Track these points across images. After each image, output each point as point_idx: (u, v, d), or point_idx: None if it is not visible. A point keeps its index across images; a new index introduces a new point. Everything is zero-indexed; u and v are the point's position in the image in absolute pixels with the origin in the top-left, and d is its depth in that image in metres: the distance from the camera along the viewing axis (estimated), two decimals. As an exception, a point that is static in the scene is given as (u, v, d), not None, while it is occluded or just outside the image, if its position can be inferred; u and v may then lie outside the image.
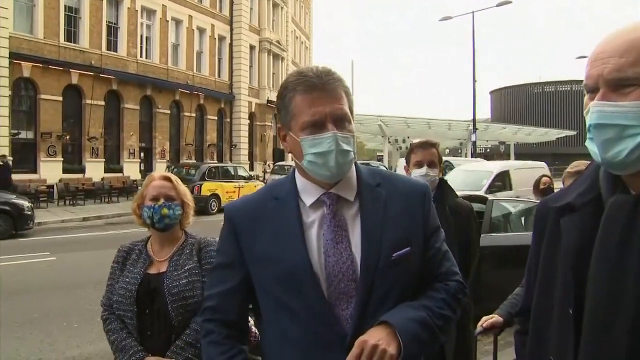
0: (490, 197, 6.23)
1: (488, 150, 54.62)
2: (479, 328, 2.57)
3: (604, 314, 1.00)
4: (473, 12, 26.57)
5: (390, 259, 1.34)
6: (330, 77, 1.36)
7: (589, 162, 2.44)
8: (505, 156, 51.07)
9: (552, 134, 53.62)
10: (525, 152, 55.47)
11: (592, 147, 1.04)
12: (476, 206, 6.41)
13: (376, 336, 1.24)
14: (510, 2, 25.58)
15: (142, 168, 25.90)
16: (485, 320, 2.57)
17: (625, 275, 0.98)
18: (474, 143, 29.40)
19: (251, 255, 1.43)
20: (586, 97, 1.07)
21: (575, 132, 54.88)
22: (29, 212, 13.23)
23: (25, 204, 13.37)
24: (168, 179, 2.40)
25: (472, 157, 31.34)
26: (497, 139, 48.48)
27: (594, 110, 1.02)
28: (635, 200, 1.01)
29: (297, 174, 1.47)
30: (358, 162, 1.51)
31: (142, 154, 26.64)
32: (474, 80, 27.30)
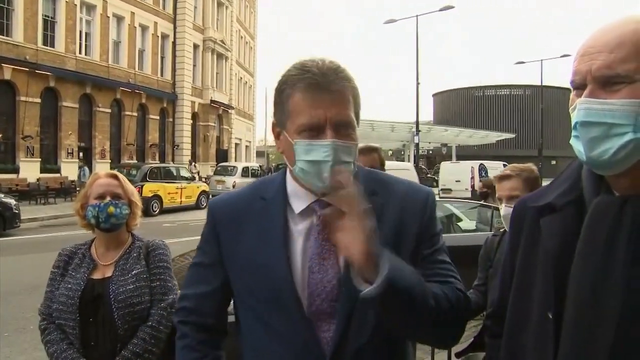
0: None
1: (430, 152, 56.04)
2: None
3: (587, 319, 0.96)
4: (417, 15, 27.10)
5: None
6: (337, 76, 1.19)
7: (521, 165, 2.52)
8: (447, 158, 52.56)
9: (492, 136, 55.42)
10: (466, 154, 57.27)
11: (577, 145, 1.00)
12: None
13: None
14: (453, 7, 26.30)
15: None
16: None
17: (611, 279, 0.95)
18: (417, 145, 30.02)
19: (231, 259, 1.33)
20: (572, 94, 1.02)
21: (514, 135, 56.84)
22: (17, 211, 13.48)
23: (13, 202, 13.63)
24: (115, 176, 2.28)
25: (414, 159, 32.05)
26: (439, 141, 49.75)
27: (581, 107, 0.97)
28: (621, 201, 0.98)
29: (288, 175, 1.33)
30: None
31: (81, 154, 25.66)
32: (417, 83, 27.89)
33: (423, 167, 43.14)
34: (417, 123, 29.09)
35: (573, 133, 1.00)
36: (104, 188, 2.22)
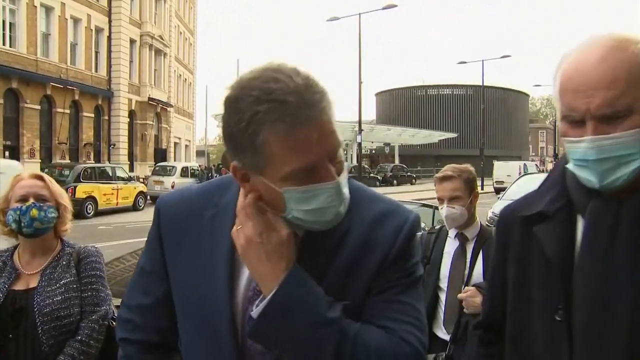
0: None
1: (373, 151, 56.85)
2: None
3: (598, 322, 1.00)
4: (359, 14, 27.33)
5: None
6: (317, 95, 0.93)
7: (459, 165, 2.62)
8: (390, 157, 53.47)
9: (435, 136, 56.88)
10: (409, 154, 58.46)
11: (584, 174, 1.04)
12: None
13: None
14: (396, 5, 26.66)
15: (7, 168, 23.57)
16: None
17: (616, 282, 0.99)
18: (360, 144, 30.34)
19: (171, 270, 1.17)
20: (565, 126, 1.05)
21: (456, 135, 58.38)
22: None
23: None
24: (40, 177, 2.10)
25: (357, 158, 32.45)
26: (382, 141, 50.58)
27: (591, 145, 1.01)
28: (617, 203, 1.02)
29: None
30: None
31: (7, 153, 24.22)
32: (360, 82, 28.19)
33: (366, 166, 43.64)
34: (360, 122, 29.39)
35: (577, 163, 1.04)
36: (26, 190, 2.03)
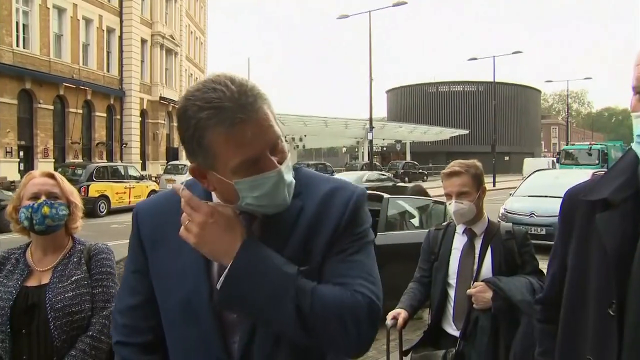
0: (385, 195, 6.30)
1: (385, 148, 56.66)
2: (390, 321, 2.61)
3: None
4: (370, 11, 27.25)
5: None
6: (251, 97, 1.05)
7: (466, 161, 2.62)
8: (401, 155, 53.26)
9: (446, 133, 56.51)
10: (420, 151, 58.16)
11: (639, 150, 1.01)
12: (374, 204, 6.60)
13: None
14: (406, 2, 26.46)
15: (22, 168, 23.78)
16: (395, 316, 2.63)
17: None
18: (371, 142, 30.30)
19: (152, 266, 1.27)
20: (634, 98, 1.02)
21: (467, 131, 58.01)
22: None
23: None
24: (51, 175, 2.13)
25: (368, 155, 32.41)
26: (393, 138, 50.37)
27: None
28: None
29: None
30: None
31: (21, 153, 24.49)
32: (370, 79, 28.10)
33: (377, 163, 43.47)
34: (371, 119, 29.34)
35: (637, 140, 1.01)
36: (38, 187, 2.06)
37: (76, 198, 2.16)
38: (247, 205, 1.12)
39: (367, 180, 23.06)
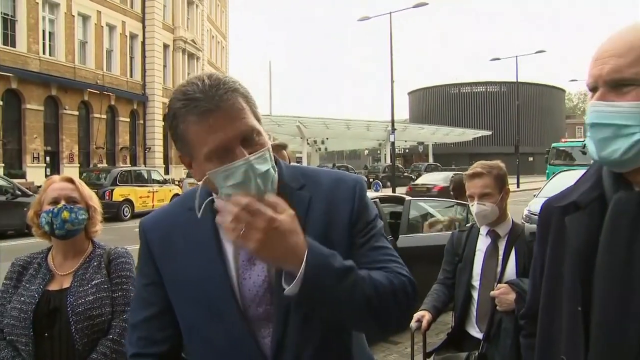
0: (407, 197, 6.26)
1: (407, 150, 56.38)
2: (414, 324, 2.59)
3: (615, 314, 1.01)
4: (390, 12, 27.10)
5: None
6: (222, 90, 1.12)
7: (489, 162, 2.59)
8: (424, 156, 52.93)
9: (469, 134, 55.99)
10: (443, 152, 57.72)
11: (589, 145, 1.06)
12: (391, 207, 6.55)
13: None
14: (427, 3, 26.28)
15: (49, 173, 24.27)
16: (419, 318, 2.61)
17: (634, 273, 0.99)
18: (393, 144, 30.12)
19: (168, 276, 1.29)
20: (589, 96, 1.08)
21: (490, 132, 57.29)
22: None
23: None
24: (70, 180, 2.15)
25: (391, 158, 32.20)
26: (415, 140, 50.10)
27: (591, 110, 1.04)
28: (638, 196, 1.03)
29: None
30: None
31: (47, 158, 25.01)
32: (392, 81, 27.95)
33: (400, 165, 43.23)
34: (393, 121, 29.18)
35: (587, 133, 1.08)
36: (57, 192, 2.08)
37: (95, 202, 2.18)
38: (226, 195, 1.12)
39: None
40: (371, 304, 1.13)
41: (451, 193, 7.35)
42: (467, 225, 2.81)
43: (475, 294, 2.55)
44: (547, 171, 23.35)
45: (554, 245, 1.17)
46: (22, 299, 1.98)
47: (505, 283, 2.38)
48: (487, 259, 2.54)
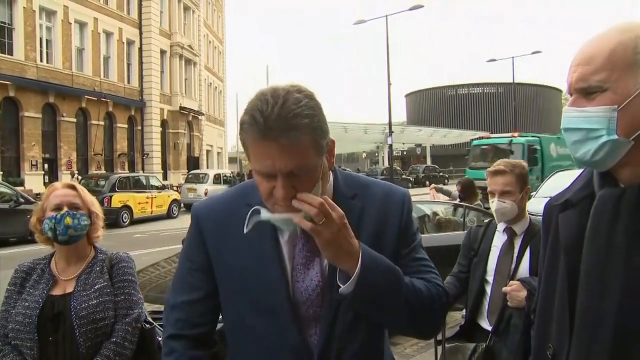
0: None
1: (405, 153, 56.39)
2: None
3: (593, 308, 1.05)
4: (386, 15, 27.13)
5: None
6: (286, 125, 1.09)
7: (512, 160, 2.64)
8: (421, 158, 52.94)
9: (467, 135, 55.85)
10: (441, 154, 57.70)
11: (568, 147, 1.13)
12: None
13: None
14: (423, 6, 26.32)
15: (47, 180, 24.24)
16: None
17: (610, 269, 1.04)
18: (390, 146, 30.19)
19: (218, 262, 1.34)
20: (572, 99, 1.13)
21: (488, 133, 57.38)
22: None
23: None
24: (72, 187, 2.19)
25: (388, 160, 32.22)
26: (413, 142, 50.13)
27: (564, 115, 1.11)
28: (619, 192, 1.07)
29: None
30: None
31: (45, 166, 24.98)
32: (389, 84, 28.00)
33: (398, 168, 43.26)
34: (390, 124, 29.26)
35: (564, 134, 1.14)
36: (60, 199, 2.12)
37: (97, 208, 2.21)
38: (269, 210, 1.20)
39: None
40: (413, 308, 1.24)
41: (459, 195, 7.35)
42: (485, 221, 2.89)
43: (488, 289, 2.62)
44: (464, 175, 18.07)
45: (552, 243, 1.22)
46: (26, 304, 2.01)
47: (518, 280, 2.43)
48: (502, 255, 2.59)
